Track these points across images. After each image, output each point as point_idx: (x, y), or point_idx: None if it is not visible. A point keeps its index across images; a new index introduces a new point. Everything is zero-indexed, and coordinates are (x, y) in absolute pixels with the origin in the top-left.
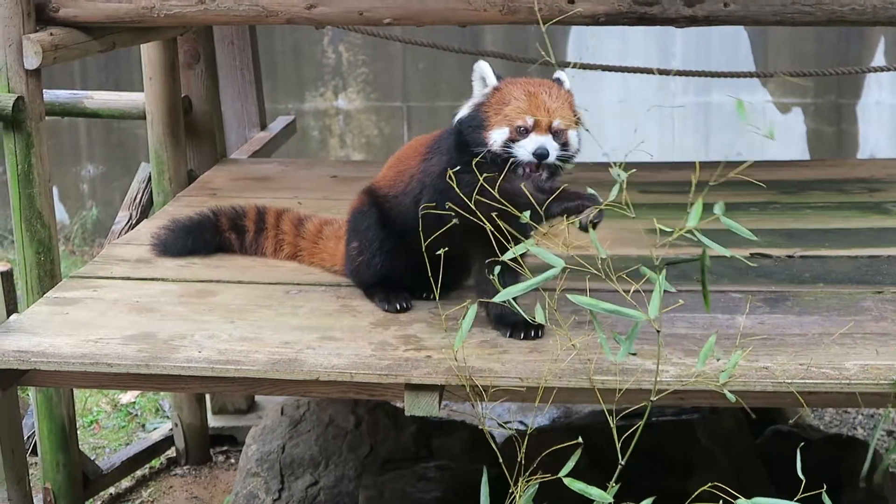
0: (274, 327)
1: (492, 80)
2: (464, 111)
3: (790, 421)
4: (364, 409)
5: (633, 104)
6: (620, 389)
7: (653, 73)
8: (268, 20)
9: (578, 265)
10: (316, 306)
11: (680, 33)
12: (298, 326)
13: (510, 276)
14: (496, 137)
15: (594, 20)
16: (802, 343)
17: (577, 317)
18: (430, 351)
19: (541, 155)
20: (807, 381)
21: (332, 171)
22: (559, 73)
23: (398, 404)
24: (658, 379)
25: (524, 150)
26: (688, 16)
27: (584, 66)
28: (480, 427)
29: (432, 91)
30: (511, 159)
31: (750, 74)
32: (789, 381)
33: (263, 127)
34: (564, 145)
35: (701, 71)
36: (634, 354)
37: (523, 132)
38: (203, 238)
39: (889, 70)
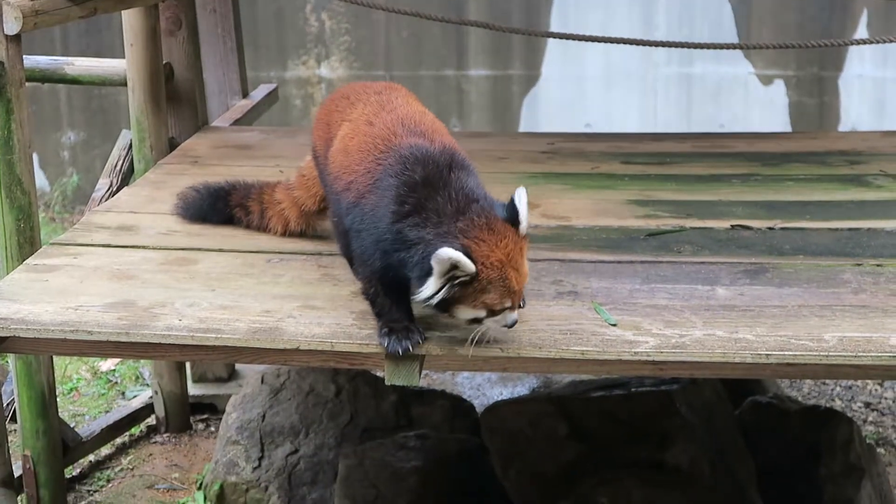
0: (255, 296)
1: (470, 269)
2: (430, 288)
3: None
4: (345, 378)
5: (616, 75)
6: (599, 360)
7: (636, 45)
8: None
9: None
10: (297, 275)
11: (663, 3)
12: (279, 295)
13: None
14: (464, 315)
15: None
16: (782, 315)
17: (557, 287)
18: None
19: (512, 326)
20: (786, 352)
21: None
22: (519, 193)
23: (379, 373)
24: (637, 350)
25: (497, 324)
26: None
27: (567, 37)
28: (460, 397)
29: (415, 59)
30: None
31: (733, 46)
32: (768, 352)
33: (245, 95)
34: None
35: (684, 42)
36: (615, 325)
37: (499, 311)
38: (216, 207)
39: (871, 43)
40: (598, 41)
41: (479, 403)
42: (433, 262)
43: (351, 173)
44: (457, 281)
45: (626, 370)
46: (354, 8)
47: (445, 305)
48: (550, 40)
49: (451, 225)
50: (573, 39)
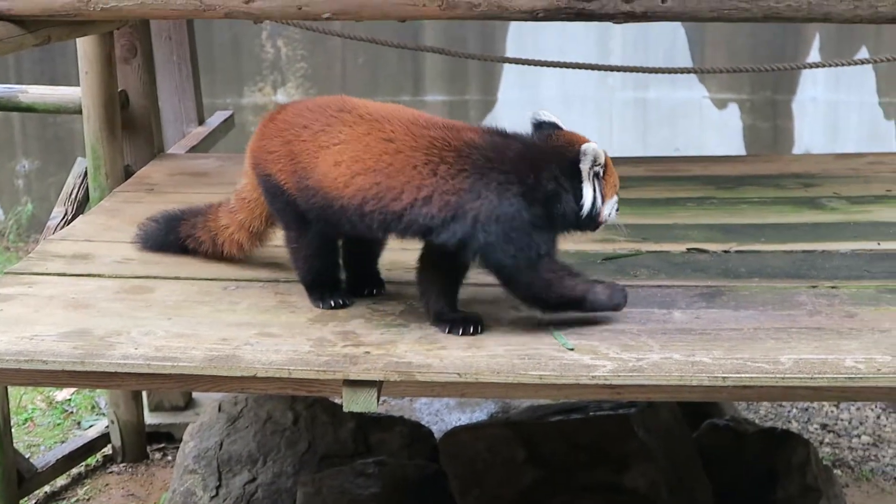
0: (211, 323)
1: (602, 159)
2: (589, 193)
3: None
4: (302, 405)
5: (572, 99)
6: (558, 384)
7: (591, 69)
8: (205, 14)
9: None
10: (254, 302)
11: (619, 29)
12: (236, 322)
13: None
14: (609, 208)
15: (533, 16)
16: (738, 337)
17: (515, 312)
18: (368, 347)
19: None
20: (742, 375)
21: None
22: (547, 115)
23: (337, 400)
24: (595, 374)
25: (612, 210)
26: (626, 11)
27: (523, 62)
28: (419, 423)
29: (372, 85)
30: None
31: (687, 70)
32: (724, 375)
33: (201, 122)
34: None
35: (639, 67)
36: (573, 349)
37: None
38: (170, 238)
39: (824, 67)
40: (554, 66)
41: (438, 429)
42: (582, 161)
43: (415, 190)
44: (600, 175)
45: (583, 394)
46: (311, 34)
47: (599, 207)
48: (507, 65)
49: (553, 151)
50: (529, 65)
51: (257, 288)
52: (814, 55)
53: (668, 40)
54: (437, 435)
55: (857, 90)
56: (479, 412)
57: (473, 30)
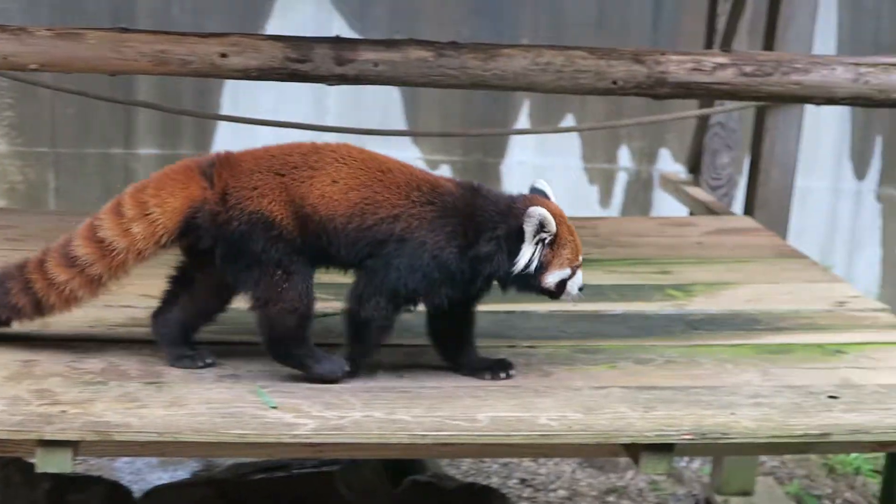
0: None
1: (552, 227)
2: (527, 254)
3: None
4: None
5: None
6: (259, 443)
7: (306, 129)
8: None
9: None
10: None
11: (334, 89)
12: None
13: None
14: (553, 279)
15: (246, 75)
16: (439, 395)
17: (219, 370)
18: (65, 406)
19: (582, 289)
20: (441, 433)
21: None
22: (542, 185)
23: (31, 460)
24: (296, 432)
25: (575, 286)
26: (338, 74)
27: (236, 120)
28: (118, 482)
29: (82, 137)
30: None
31: (401, 133)
32: (424, 433)
33: None
34: None
35: (353, 128)
36: (275, 408)
37: (574, 270)
38: None
39: (531, 133)
40: (267, 125)
41: (139, 488)
42: (526, 223)
43: (390, 207)
44: (545, 241)
45: (285, 453)
46: (18, 83)
47: (538, 272)
48: (222, 123)
49: (510, 212)
50: (242, 122)
51: None
52: (523, 121)
53: (382, 102)
54: (139, 494)
55: (564, 155)
56: (181, 470)
57: (189, 84)
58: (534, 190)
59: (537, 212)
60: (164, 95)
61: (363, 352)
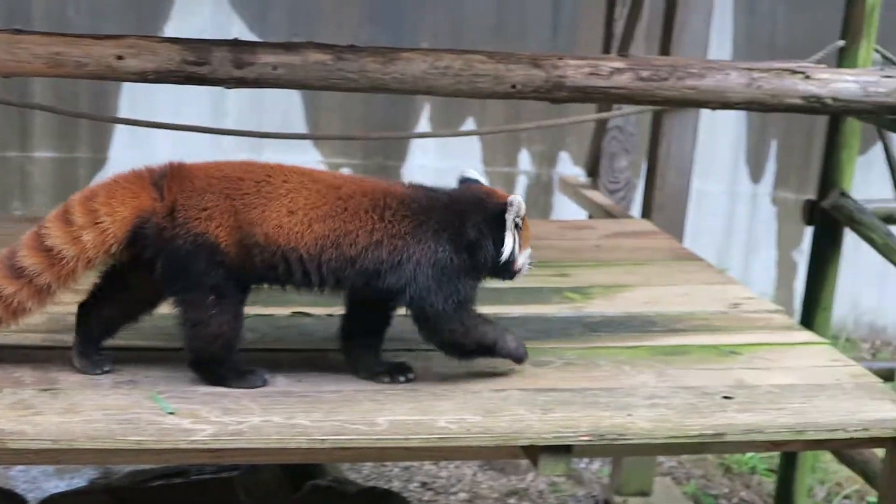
0: None
1: (523, 206)
2: (510, 241)
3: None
4: None
5: (186, 160)
6: (157, 449)
7: (204, 132)
8: None
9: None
10: None
11: (233, 92)
12: None
13: None
14: (524, 259)
15: (143, 78)
16: (338, 400)
17: (115, 376)
18: None
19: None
20: (340, 437)
21: None
22: (472, 174)
23: None
24: (194, 438)
25: (527, 261)
26: (237, 77)
27: (132, 123)
28: (13, 491)
29: None
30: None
31: (301, 136)
32: (323, 437)
33: None
34: None
35: (252, 131)
36: (172, 413)
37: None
38: None
39: (432, 136)
40: (165, 128)
41: (35, 497)
42: (508, 211)
43: (368, 234)
44: (519, 225)
45: (183, 458)
46: None
47: (516, 255)
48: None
49: (476, 206)
50: (139, 125)
51: None
52: (424, 125)
53: (283, 105)
54: (34, 503)
55: (464, 159)
56: (78, 478)
57: (86, 86)
58: (467, 180)
59: (517, 200)
60: (60, 98)
61: (500, 343)
